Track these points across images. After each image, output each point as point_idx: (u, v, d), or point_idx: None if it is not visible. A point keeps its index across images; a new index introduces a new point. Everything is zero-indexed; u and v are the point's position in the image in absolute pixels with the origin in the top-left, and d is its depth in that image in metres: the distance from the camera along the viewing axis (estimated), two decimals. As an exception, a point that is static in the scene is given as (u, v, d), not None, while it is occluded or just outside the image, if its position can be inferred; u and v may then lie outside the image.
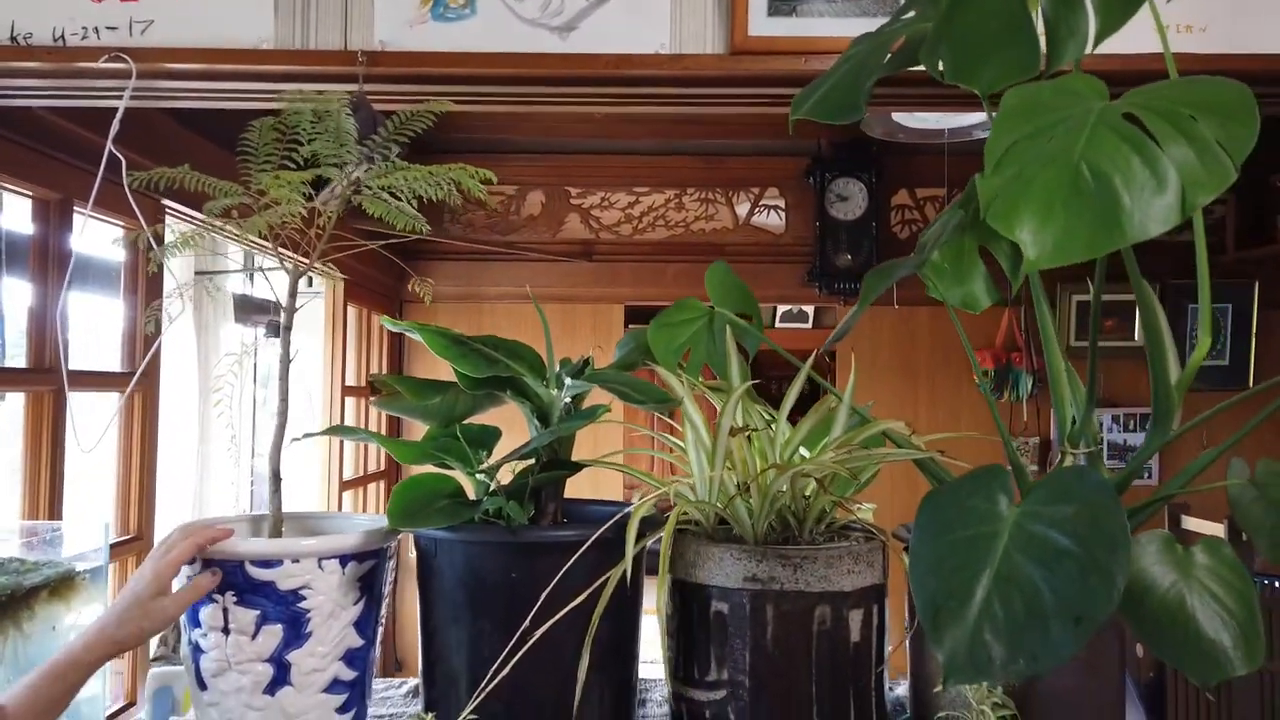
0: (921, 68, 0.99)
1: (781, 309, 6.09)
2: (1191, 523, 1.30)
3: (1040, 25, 0.85)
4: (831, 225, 4.51)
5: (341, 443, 3.62)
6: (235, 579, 1.02)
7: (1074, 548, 0.76)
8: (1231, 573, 0.82)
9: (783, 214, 4.78)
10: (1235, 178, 0.67)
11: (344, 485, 3.61)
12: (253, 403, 4.57)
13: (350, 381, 3.77)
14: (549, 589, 0.98)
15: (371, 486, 3.99)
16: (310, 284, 3.81)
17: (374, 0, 1.44)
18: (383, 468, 4.08)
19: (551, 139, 4.50)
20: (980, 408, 4.43)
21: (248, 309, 4.31)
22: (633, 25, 1.42)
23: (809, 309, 5.91)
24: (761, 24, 1.41)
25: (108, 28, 1.43)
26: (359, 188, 1.28)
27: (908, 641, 1.15)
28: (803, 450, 1.19)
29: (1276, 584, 1.73)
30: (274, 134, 1.25)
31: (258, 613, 1.02)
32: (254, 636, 1.02)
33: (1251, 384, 4.33)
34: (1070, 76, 0.79)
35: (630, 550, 0.99)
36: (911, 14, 1.11)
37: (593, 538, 1.00)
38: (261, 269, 3.82)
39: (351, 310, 3.80)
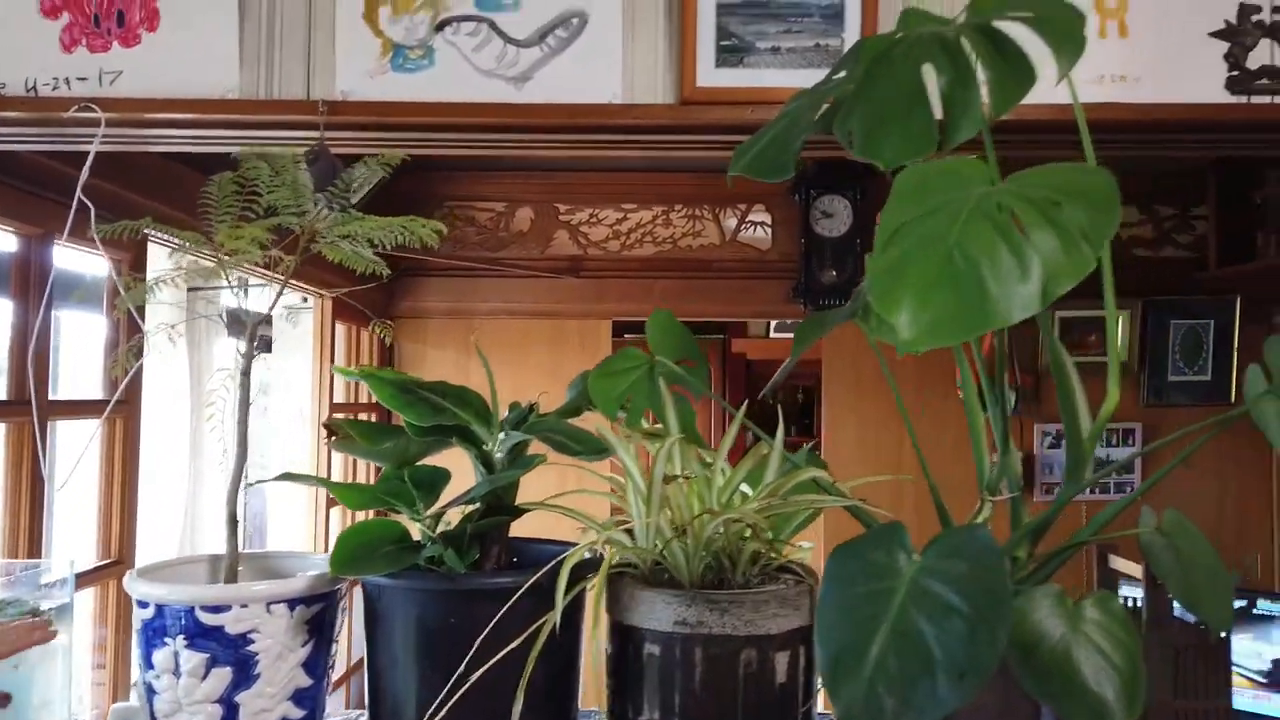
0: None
1: (775, 321, 6.13)
2: (1119, 562, 1.35)
3: (937, 105, 0.89)
4: (817, 242, 4.56)
5: (329, 459, 3.67)
6: (186, 624, 1.07)
7: (962, 605, 0.80)
8: (1118, 626, 0.86)
9: (769, 230, 4.83)
10: (1094, 266, 0.71)
11: (331, 503, 3.65)
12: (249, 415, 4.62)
13: (339, 399, 3.82)
14: (483, 635, 1.02)
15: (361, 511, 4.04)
16: (305, 300, 3.86)
17: (336, 51, 1.48)
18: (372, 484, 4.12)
19: (541, 158, 4.55)
20: (965, 425, 4.46)
21: (239, 323, 4.36)
22: (586, 76, 1.47)
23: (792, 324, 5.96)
24: (709, 75, 1.46)
25: (78, 78, 1.48)
26: (315, 237, 1.33)
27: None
28: (745, 489, 1.23)
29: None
30: (233, 187, 1.30)
31: (207, 655, 1.07)
32: (204, 678, 1.06)
33: (1234, 399, 4.36)
34: (957, 161, 0.83)
35: (560, 600, 1.03)
36: (842, 74, 1.15)
37: (525, 585, 1.04)
38: (245, 286, 3.86)
39: (340, 328, 3.84)
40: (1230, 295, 4.39)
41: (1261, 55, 1.43)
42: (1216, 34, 1.44)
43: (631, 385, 1.22)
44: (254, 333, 1.30)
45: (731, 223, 4.78)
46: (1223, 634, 1.13)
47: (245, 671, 1.07)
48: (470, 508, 1.20)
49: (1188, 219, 4.61)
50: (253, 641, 1.07)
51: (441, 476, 1.25)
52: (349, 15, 1.48)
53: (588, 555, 1.17)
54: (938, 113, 0.92)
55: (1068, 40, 0.89)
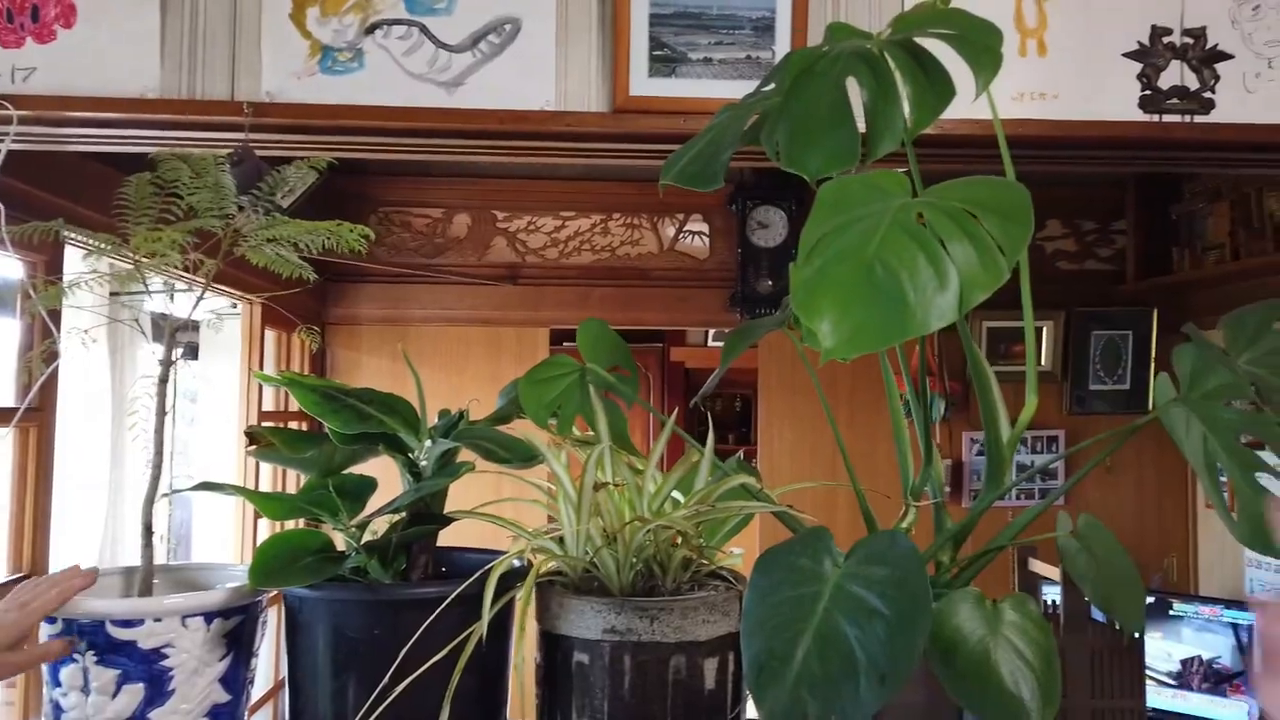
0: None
1: (713, 329, 6.17)
2: (1038, 566, 1.39)
3: (860, 117, 0.91)
4: (753, 252, 4.61)
5: (257, 468, 3.58)
6: (96, 639, 1.03)
7: (884, 609, 0.82)
8: (1034, 627, 0.88)
9: (706, 240, 4.86)
10: (1008, 277, 0.73)
11: (260, 513, 3.56)
12: (172, 424, 4.49)
13: (268, 407, 3.73)
14: (407, 646, 1.00)
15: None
16: (234, 306, 3.77)
17: (261, 52, 1.46)
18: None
19: (477, 164, 4.53)
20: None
21: (163, 330, 4.23)
22: (519, 82, 1.46)
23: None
24: (642, 84, 1.47)
25: (-11, 74, 1.43)
26: (238, 240, 1.30)
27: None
28: (678, 496, 1.23)
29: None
30: (151, 189, 1.27)
31: (118, 672, 1.03)
32: (114, 696, 1.03)
33: (1151, 406, 4.52)
34: (878, 173, 0.84)
35: (487, 609, 1.02)
36: (770, 86, 1.17)
37: (452, 595, 1.03)
38: (170, 291, 3.75)
39: (269, 334, 3.76)
40: (1147, 307, 4.55)
41: (1172, 76, 1.49)
42: (1130, 54, 1.49)
43: (563, 393, 1.22)
44: (172, 339, 1.27)
45: (670, 232, 4.81)
46: (1135, 634, 1.16)
47: (159, 688, 1.04)
48: (397, 517, 1.18)
49: (1108, 233, 4.77)
50: (167, 657, 1.04)
51: (368, 485, 1.23)
52: (275, 16, 1.46)
53: (517, 564, 1.16)
54: (861, 126, 0.94)
55: (985, 56, 0.91)
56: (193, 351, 4.20)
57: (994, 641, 0.87)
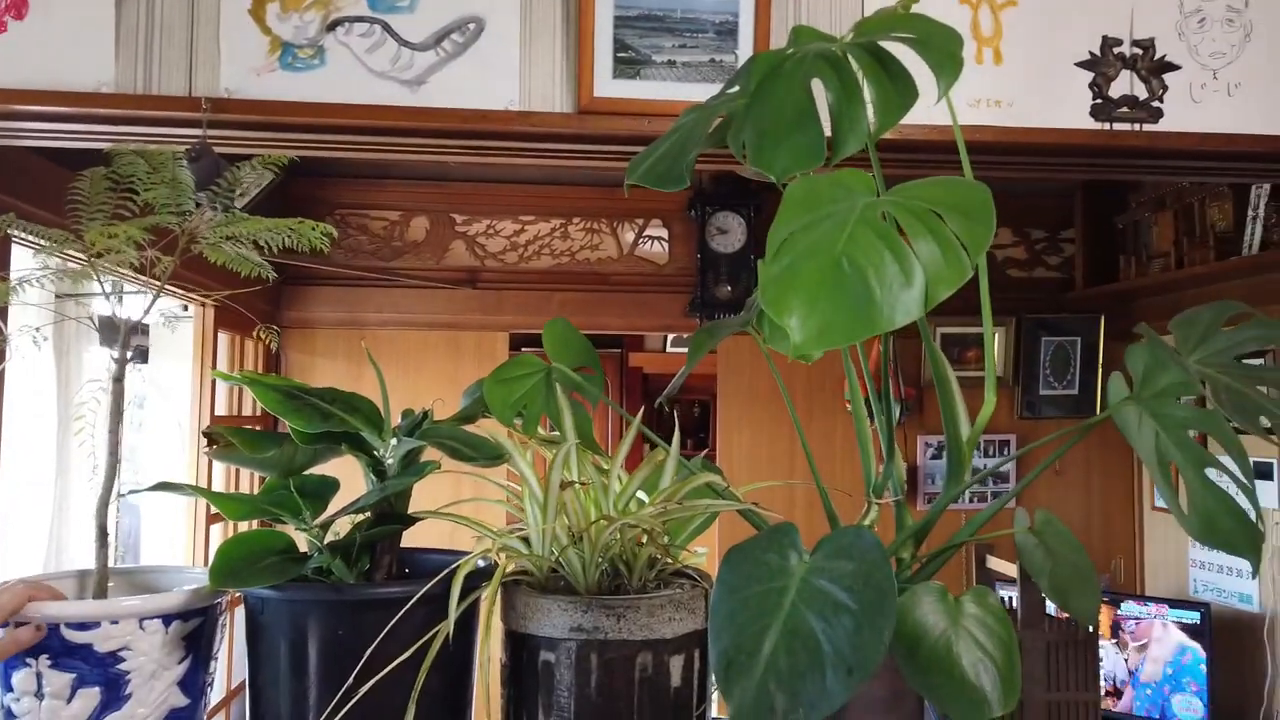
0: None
1: (672, 335, 6.19)
2: (995, 563, 1.42)
3: (826, 119, 0.93)
4: (712, 257, 4.64)
5: (210, 472, 3.52)
6: (50, 642, 1.00)
7: (850, 603, 0.83)
8: (995, 620, 0.90)
9: (666, 245, 4.88)
10: (972, 274, 0.75)
11: (211, 519, 3.50)
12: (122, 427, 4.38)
13: (221, 411, 3.67)
14: (372, 646, 0.99)
15: (244, 522, 3.88)
16: (185, 308, 3.70)
17: (220, 47, 1.44)
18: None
19: (435, 167, 4.50)
20: (853, 436, 4.60)
21: (112, 331, 4.13)
22: (483, 82, 1.46)
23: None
24: (606, 85, 1.47)
25: (-64, 66, 1.39)
26: (196, 238, 1.28)
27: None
28: (642, 495, 1.24)
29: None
30: (106, 184, 1.24)
31: (74, 676, 1.00)
32: (69, 700, 1.00)
33: (1099, 410, 4.63)
34: (844, 172, 0.86)
35: (453, 609, 1.01)
36: (735, 89, 1.18)
37: (417, 594, 1.02)
38: (117, 294, 3.68)
39: (223, 336, 3.70)
40: (1095, 314, 4.66)
41: (1123, 85, 1.53)
42: (1082, 64, 1.53)
43: (528, 392, 1.22)
44: (128, 338, 1.24)
45: (629, 237, 4.82)
46: (1090, 628, 1.19)
47: (115, 692, 1.01)
48: (360, 517, 1.17)
49: (1057, 241, 4.88)
50: (124, 660, 1.01)
51: (330, 485, 1.22)
52: (234, 10, 1.44)
53: (482, 564, 1.16)
54: (827, 127, 0.95)
55: (947, 60, 0.93)
56: (142, 355, 4.11)
57: (956, 634, 0.89)
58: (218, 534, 3.61)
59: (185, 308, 3.67)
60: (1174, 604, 3.86)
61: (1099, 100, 1.52)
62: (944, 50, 0.95)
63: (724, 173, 4.51)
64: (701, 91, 1.47)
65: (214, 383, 3.61)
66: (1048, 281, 4.80)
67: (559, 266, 4.77)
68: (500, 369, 1.21)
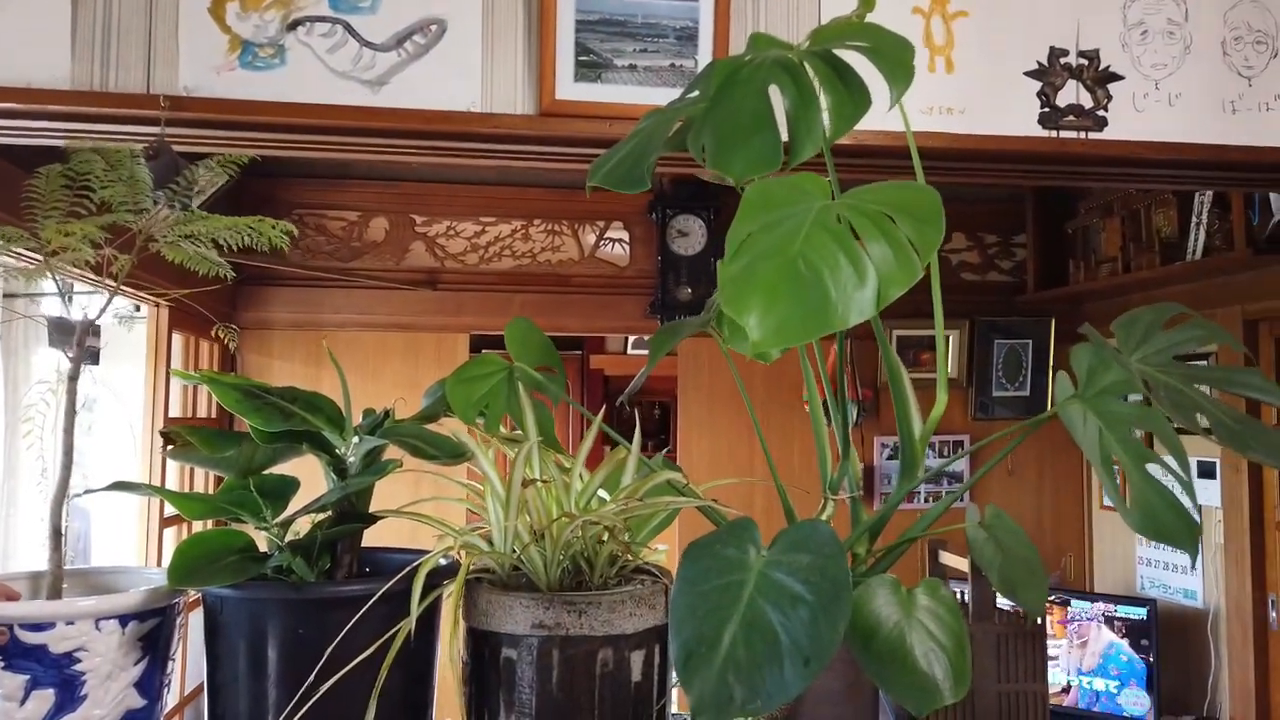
0: (701, 144, 1.08)
1: (633, 337, 6.21)
2: (947, 558, 1.46)
3: (783, 123, 0.95)
4: (673, 259, 4.67)
5: (164, 477, 3.46)
6: (4, 643, 0.99)
7: (807, 595, 0.85)
8: (946, 611, 0.93)
9: (627, 247, 4.90)
10: (922, 275, 0.78)
11: (165, 522, 3.45)
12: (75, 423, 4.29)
13: (175, 413, 3.61)
14: (334, 644, 0.99)
15: (198, 524, 3.83)
16: (138, 309, 3.64)
17: (179, 45, 1.43)
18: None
19: (395, 167, 4.47)
20: (810, 437, 4.65)
21: (63, 332, 4.06)
22: (444, 83, 1.46)
23: (654, 338, 6.03)
24: (568, 88, 1.49)
25: (-118, 59, 1.37)
26: (154, 236, 1.27)
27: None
28: (603, 494, 1.25)
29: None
30: (63, 180, 1.23)
31: (27, 677, 0.99)
32: (23, 702, 0.99)
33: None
34: (800, 176, 0.88)
35: (416, 606, 1.02)
36: (695, 94, 1.20)
37: (379, 592, 1.02)
38: (68, 294, 3.61)
39: (177, 338, 3.64)
40: (1046, 317, 4.76)
41: (1069, 94, 1.58)
42: (1031, 73, 1.57)
43: (490, 391, 1.23)
44: (84, 336, 1.23)
45: (590, 239, 4.83)
46: (1039, 620, 1.23)
47: (70, 693, 1.00)
48: (321, 516, 1.17)
49: (1009, 246, 4.98)
50: (79, 661, 1.00)
51: (290, 485, 1.22)
52: (194, 8, 1.43)
53: (444, 562, 1.16)
54: (783, 132, 0.97)
55: (899, 69, 0.96)
56: (93, 356, 4.03)
57: (909, 625, 0.91)
58: (171, 537, 3.56)
59: (138, 308, 3.62)
60: (1121, 600, 3.96)
61: (1046, 109, 1.57)
62: (896, 59, 0.98)
63: (684, 176, 4.54)
64: (662, 95, 1.49)
65: (168, 384, 3.56)
66: (1000, 285, 4.89)
67: (520, 268, 4.76)
68: (463, 368, 1.22)
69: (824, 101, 0.95)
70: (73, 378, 1.21)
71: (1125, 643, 3.86)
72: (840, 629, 0.82)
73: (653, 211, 4.71)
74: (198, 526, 3.89)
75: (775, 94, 0.98)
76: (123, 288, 1.25)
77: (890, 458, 4.72)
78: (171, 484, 3.60)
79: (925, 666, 0.89)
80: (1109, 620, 3.90)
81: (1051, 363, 4.77)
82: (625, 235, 4.87)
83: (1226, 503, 3.62)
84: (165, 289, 1.33)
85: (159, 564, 3.40)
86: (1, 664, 0.99)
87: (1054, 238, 4.70)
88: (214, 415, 3.97)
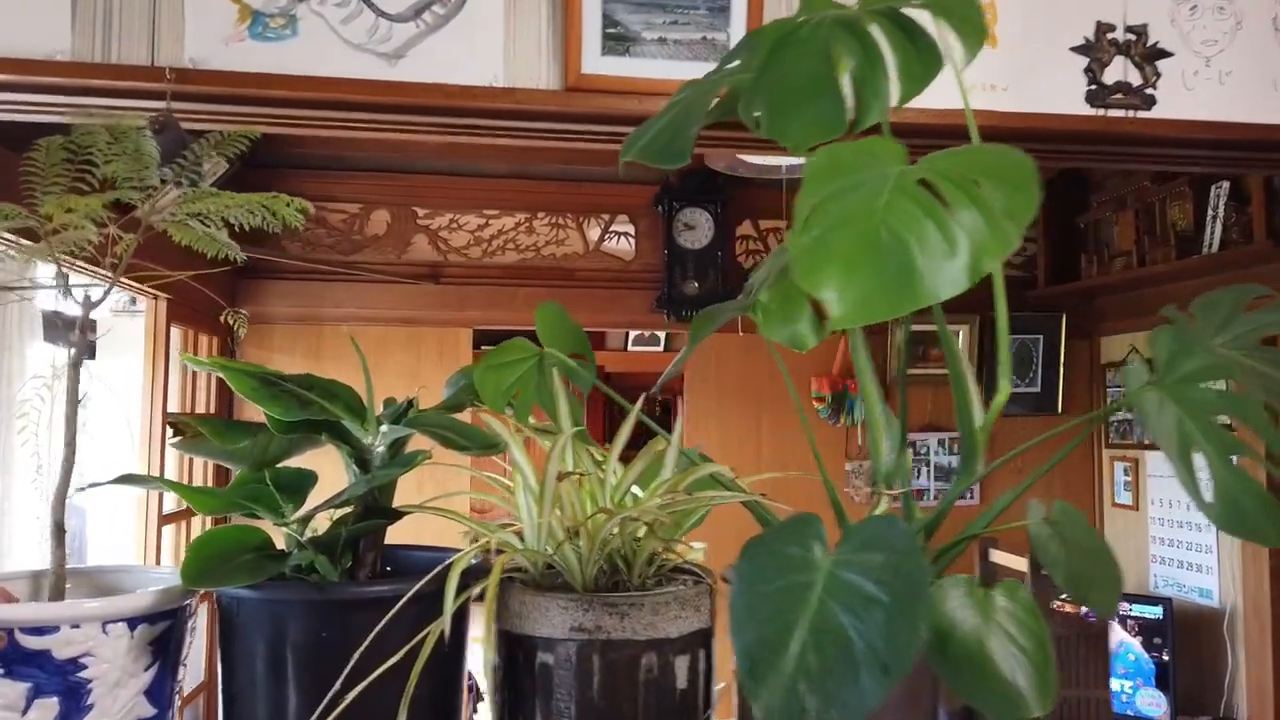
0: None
1: (634, 333, 6.14)
2: (999, 556, 1.39)
3: (848, 86, 0.88)
4: (679, 253, 4.60)
5: (162, 470, 3.39)
6: (3, 649, 0.92)
7: (882, 596, 0.78)
8: (1027, 614, 0.86)
9: (632, 241, 4.83)
10: (1018, 245, 0.71)
11: (164, 520, 3.37)
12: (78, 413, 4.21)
13: (173, 408, 3.53)
14: (361, 648, 0.92)
15: (196, 521, 3.75)
16: (134, 302, 3.56)
17: (185, 15, 1.35)
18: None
19: (397, 158, 4.40)
20: (818, 432, 4.59)
21: (58, 327, 3.97)
22: (464, 56, 1.39)
23: (661, 333, 5.99)
24: (595, 62, 1.41)
25: (-128, 28, 1.29)
26: (163, 214, 1.19)
27: (736, 686, 1.15)
28: (636, 490, 1.18)
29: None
30: (64, 154, 1.15)
31: (29, 685, 0.92)
32: (24, 712, 0.92)
33: (1060, 408, 4.67)
34: (871, 140, 0.81)
35: (449, 606, 0.95)
36: (735, 63, 1.13)
37: (410, 592, 0.95)
38: (68, 286, 3.53)
39: (175, 331, 3.56)
40: (1057, 313, 4.70)
41: (1116, 71, 1.51)
42: (1077, 49, 1.51)
43: (520, 379, 1.15)
44: (86, 317, 1.15)
45: (595, 233, 4.76)
46: (1108, 621, 1.16)
47: (76, 702, 0.93)
48: (339, 512, 1.10)
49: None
50: (85, 667, 0.93)
51: (308, 478, 1.14)
52: (202, -24, 1.35)
53: (474, 560, 1.09)
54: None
55: (969, 26, 0.89)
56: (89, 350, 3.95)
57: (987, 628, 0.85)
58: (170, 535, 3.48)
59: (134, 300, 3.54)
60: (1135, 599, 3.89)
61: (1093, 86, 1.50)
62: (965, 16, 0.91)
63: (692, 169, 4.47)
64: (693, 70, 1.42)
65: (166, 378, 3.48)
66: (1010, 280, 4.77)
67: (524, 262, 4.69)
68: (492, 354, 1.15)
69: (891, 61, 0.88)
70: (75, 364, 1.13)
71: (1136, 642, 3.79)
72: (921, 632, 0.75)
73: (659, 204, 4.64)
74: (198, 524, 3.82)
75: (836, 57, 0.91)
76: (122, 279, 1.17)
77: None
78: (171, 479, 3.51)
79: (1008, 674, 0.82)
80: (1123, 619, 3.83)
81: (1062, 359, 4.71)
82: (631, 229, 4.79)
83: (1244, 499, 3.56)
84: (169, 273, 1.25)
85: (158, 562, 3.33)
86: (1, 671, 0.91)
87: (1065, 232, 4.64)
88: (213, 412, 3.90)
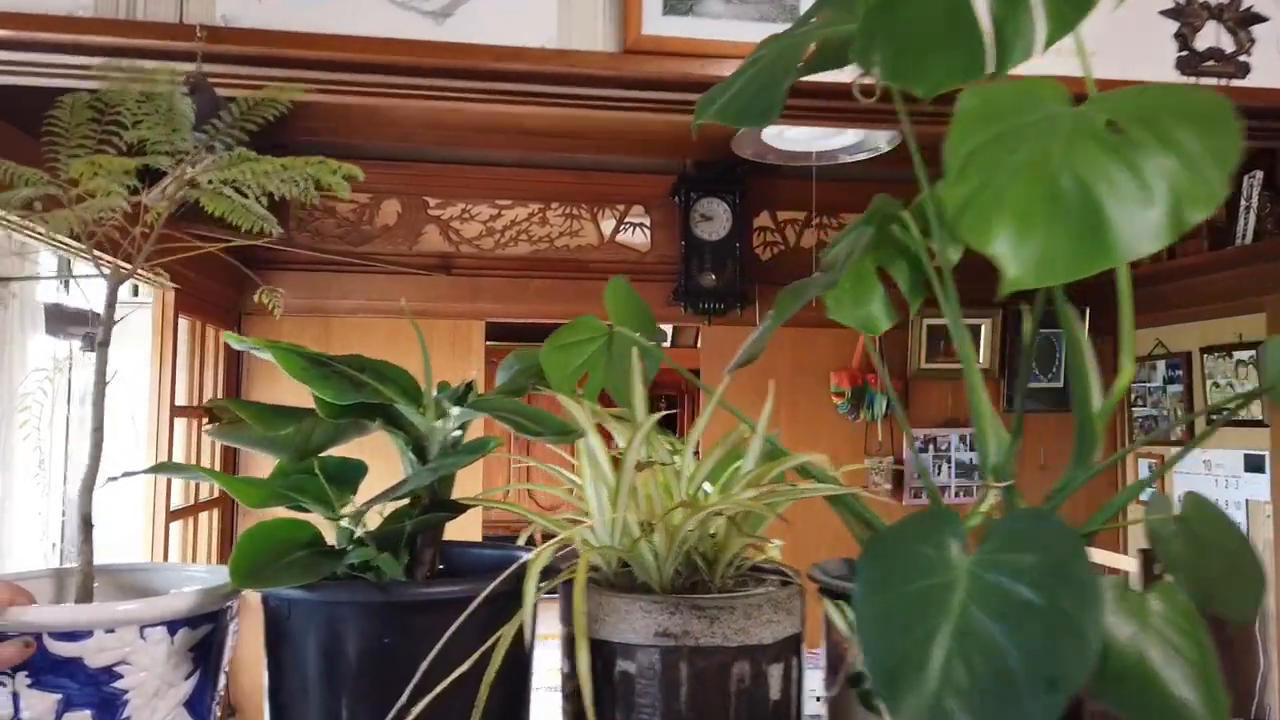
0: (831, 78, 0.92)
1: (642, 327, 6.04)
2: (1097, 554, 1.30)
3: (987, 25, 0.78)
4: (696, 244, 4.51)
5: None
6: (31, 656, 0.82)
7: (1039, 601, 0.68)
8: (1187, 621, 0.76)
9: (648, 232, 4.73)
10: (1225, 196, 0.61)
11: (171, 516, 3.27)
12: (66, 425, 4.12)
13: (181, 402, 3.43)
14: (432, 655, 0.82)
15: (204, 516, 3.65)
16: (136, 292, 3.45)
17: (217, -32, 1.25)
18: (216, 494, 3.74)
19: (407, 146, 4.30)
20: (838, 428, 4.50)
21: (61, 319, 3.87)
22: (516, 16, 1.29)
23: (667, 328, 5.90)
24: (656, 22, 1.31)
25: (-123, -20, 1.19)
26: (195, 182, 1.09)
27: (825, 700, 1.05)
28: (704, 485, 1.08)
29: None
30: (90, 113, 1.05)
31: (59, 697, 0.82)
32: (53, 728, 0.82)
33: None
34: (1030, 80, 0.72)
35: (530, 609, 0.85)
36: (818, 19, 1.04)
37: (485, 592, 0.85)
38: (73, 276, 3.43)
39: (183, 323, 3.46)
40: (1080, 306, 4.60)
41: (1208, 37, 1.41)
42: (1166, 12, 1.41)
43: (589, 359, 1.06)
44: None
45: (610, 224, 4.66)
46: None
47: (110, 715, 0.83)
48: (395, 505, 1.00)
49: (1042, 233, 4.83)
50: (121, 676, 0.83)
51: (357, 469, 1.05)
52: (235, -74, 1.25)
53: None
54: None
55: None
56: (93, 342, 3.85)
57: (1145, 638, 0.75)
58: (178, 531, 3.38)
59: (135, 291, 3.43)
60: (1165, 598, 3.81)
61: (1184, 52, 1.41)
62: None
63: (710, 158, 4.38)
64: (760, 31, 1.31)
65: (174, 371, 3.37)
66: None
67: (537, 253, 4.60)
68: (559, 333, 1.05)
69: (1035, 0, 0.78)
70: (103, 343, 1.03)
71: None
72: (1094, 643, 0.65)
73: (675, 195, 4.55)
74: (205, 520, 3.71)
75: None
76: (138, 270, 1.07)
77: (921, 450, 4.56)
78: (178, 478, 3.41)
79: (1174, 689, 0.72)
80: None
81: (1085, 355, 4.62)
82: (646, 220, 4.70)
83: (1277, 497, 3.47)
84: (175, 272, 1.15)
85: (165, 559, 3.23)
86: (29, 681, 0.81)
87: (1088, 224, 4.55)
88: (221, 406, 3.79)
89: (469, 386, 1.03)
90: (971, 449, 4.65)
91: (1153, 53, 1.41)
